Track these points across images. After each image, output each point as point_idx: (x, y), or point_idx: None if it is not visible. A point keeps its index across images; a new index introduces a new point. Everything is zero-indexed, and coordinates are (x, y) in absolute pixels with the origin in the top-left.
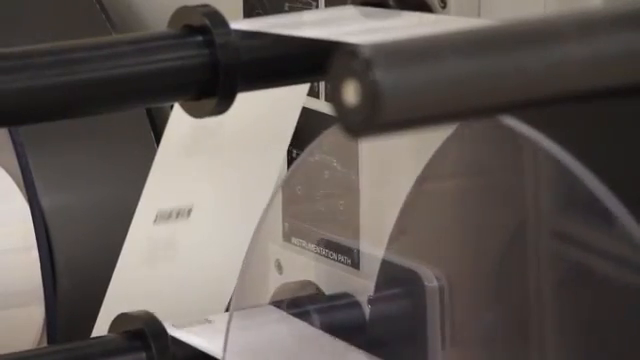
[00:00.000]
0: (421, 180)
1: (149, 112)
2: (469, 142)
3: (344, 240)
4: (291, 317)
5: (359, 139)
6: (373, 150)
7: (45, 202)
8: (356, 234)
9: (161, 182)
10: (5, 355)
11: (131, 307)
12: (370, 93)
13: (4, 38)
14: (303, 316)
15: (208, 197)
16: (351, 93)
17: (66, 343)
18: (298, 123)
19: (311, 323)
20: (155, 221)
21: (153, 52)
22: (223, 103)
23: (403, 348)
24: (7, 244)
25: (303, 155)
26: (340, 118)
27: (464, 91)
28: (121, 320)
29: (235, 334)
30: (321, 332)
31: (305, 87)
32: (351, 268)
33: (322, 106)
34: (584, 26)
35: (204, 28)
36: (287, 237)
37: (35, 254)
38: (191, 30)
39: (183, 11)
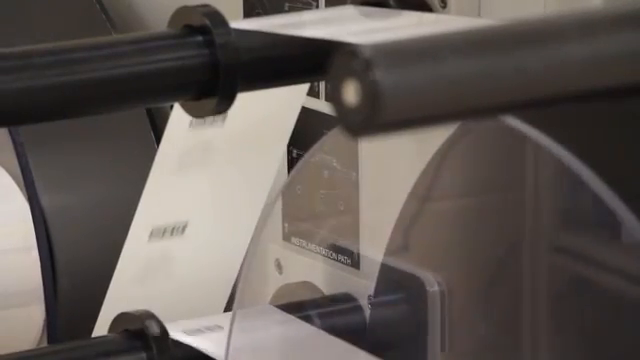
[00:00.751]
0: (421, 183)
1: (149, 112)
2: (469, 143)
3: (344, 240)
4: (291, 317)
5: (359, 139)
6: (373, 150)
7: (45, 202)
8: (356, 234)
9: (155, 199)
10: (5, 355)
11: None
12: (370, 93)
13: (4, 38)
14: (303, 316)
15: (204, 210)
16: (351, 93)
17: (66, 343)
18: (298, 123)
19: (311, 323)
20: (150, 237)
21: (153, 52)
22: (223, 103)
23: (403, 352)
24: (7, 244)
25: (305, 158)
26: (340, 118)
27: (464, 91)
28: (121, 320)
29: (235, 334)
30: (321, 332)
31: (305, 87)
32: (351, 268)
33: (322, 106)
34: (584, 26)
35: (204, 28)
36: (287, 237)
37: (35, 254)
38: (191, 30)
39: (183, 11)
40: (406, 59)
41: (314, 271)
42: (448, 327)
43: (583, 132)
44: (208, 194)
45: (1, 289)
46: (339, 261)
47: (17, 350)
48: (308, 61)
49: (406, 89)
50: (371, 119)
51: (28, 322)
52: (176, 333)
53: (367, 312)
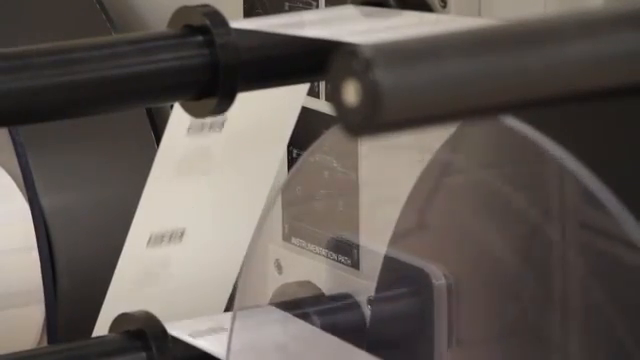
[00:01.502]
0: (425, 177)
1: (149, 112)
2: (470, 143)
3: (344, 240)
4: (291, 317)
5: (359, 139)
6: (373, 150)
7: (45, 202)
8: (356, 234)
9: (154, 205)
10: (5, 355)
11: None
12: (370, 93)
13: (4, 38)
14: (303, 316)
15: (204, 210)
16: (351, 93)
17: (66, 343)
18: (298, 123)
19: (311, 323)
20: (148, 243)
21: (153, 52)
22: (223, 103)
23: (409, 347)
24: (7, 244)
25: (304, 156)
26: (340, 118)
27: (464, 91)
28: (121, 320)
29: (235, 334)
30: (321, 332)
31: (305, 87)
32: (351, 268)
33: (322, 106)
34: (584, 26)
35: (204, 28)
36: (287, 237)
37: (35, 254)
38: (191, 30)
39: (183, 11)
40: (406, 59)
41: (314, 271)
42: (454, 322)
43: (583, 132)
44: (208, 195)
45: (1, 289)
46: (339, 261)
47: (17, 350)
48: (308, 61)
49: (406, 89)
50: (371, 119)
51: (28, 322)
52: (182, 335)
53: (367, 312)
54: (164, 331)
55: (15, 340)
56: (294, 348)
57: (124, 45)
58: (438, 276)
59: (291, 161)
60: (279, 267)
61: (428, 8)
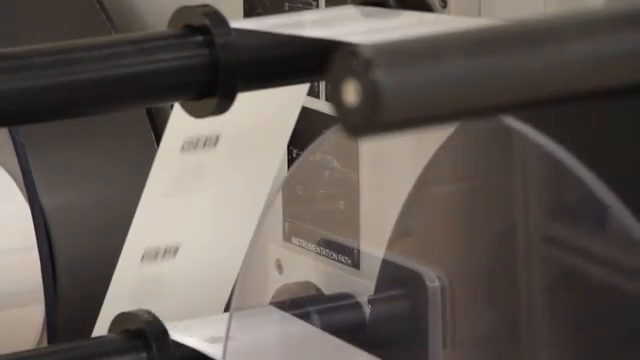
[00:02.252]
0: (422, 180)
1: (149, 112)
2: (470, 142)
3: (344, 240)
4: (291, 317)
5: (359, 139)
6: (373, 150)
7: (45, 202)
8: (356, 234)
9: (148, 221)
10: (5, 355)
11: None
12: (370, 93)
13: (4, 38)
14: (303, 316)
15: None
16: (351, 93)
17: (66, 343)
18: (298, 123)
19: (311, 323)
20: (142, 260)
21: (153, 52)
22: (223, 103)
23: (404, 348)
24: (7, 244)
25: (304, 155)
26: (340, 118)
27: (464, 91)
28: (121, 320)
29: (235, 334)
30: (322, 332)
31: (305, 87)
32: (351, 268)
33: (322, 106)
34: (584, 26)
35: (204, 28)
36: (287, 237)
37: (35, 254)
38: (191, 30)
39: (183, 11)
40: (406, 59)
41: (314, 271)
42: (449, 323)
43: (583, 132)
44: (205, 204)
45: (1, 289)
46: (339, 261)
47: (17, 350)
48: (308, 61)
49: (406, 89)
50: (371, 119)
51: (28, 322)
52: (181, 336)
53: (367, 312)
54: (164, 331)
55: (15, 340)
56: (294, 348)
57: (124, 45)
58: (432, 278)
59: (291, 161)
60: (279, 267)
61: (428, 8)
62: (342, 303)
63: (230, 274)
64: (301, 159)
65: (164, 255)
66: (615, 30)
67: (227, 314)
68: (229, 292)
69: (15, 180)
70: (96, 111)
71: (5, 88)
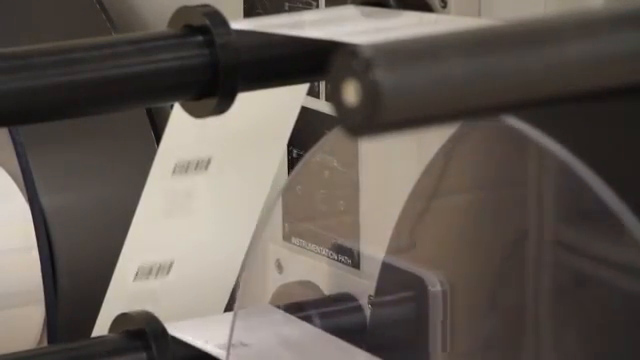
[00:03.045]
0: (422, 183)
1: (149, 112)
2: (471, 144)
3: (344, 240)
4: (291, 317)
5: (359, 139)
6: (373, 150)
7: (45, 202)
8: (356, 234)
9: (142, 240)
10: (5, 355)
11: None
12: (370, 93)
13: (5, 38)
14: (303, 316)
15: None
16: (351, 93)
17: (66, 343)
18: (298, 123)
19: (311, 323)
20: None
21: (153, 52)
22: (223, 103)
23: (404, 352)
24: (7, 244)
25: (306, 157)
26: (340, 118)
27: (464, 91)
28: (121, 320)
29: (235, 334)
30: (322, 332)
31: (305, 87)
32: (351, 268)
33: (322, 106)
34: (584, 26)
35: (204, 28)
36: (287, 237)
37: (35, 254)
38: (191, 30)
39: (183, 11)
40: (406, 59)
41: (314, 271)
42: (450, 327)
43: (583, 132)
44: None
45: (1, 289)
46: (339, 261)
47: (17, 350)
48: (308, 61)
49: (406, 89)
50: (371, 119)
51: (28, 322)
52: (182, 335)
53: (367, 312)
54: (164, 331)
55: (15, 340)
56: (294, 348)
57: (124, 45)
58: (434, 282)
59: (291, 161)
60: (279, 267)
61: (428, 8)
62: (342, 303)
63: (230, 275)
64: (302, 162)
65: (157, 274)
66: (615, 30)
67: (227, 314)
68: (229, 292)
69: (15, 180)
70: (96, 111)
71: (5, 88)
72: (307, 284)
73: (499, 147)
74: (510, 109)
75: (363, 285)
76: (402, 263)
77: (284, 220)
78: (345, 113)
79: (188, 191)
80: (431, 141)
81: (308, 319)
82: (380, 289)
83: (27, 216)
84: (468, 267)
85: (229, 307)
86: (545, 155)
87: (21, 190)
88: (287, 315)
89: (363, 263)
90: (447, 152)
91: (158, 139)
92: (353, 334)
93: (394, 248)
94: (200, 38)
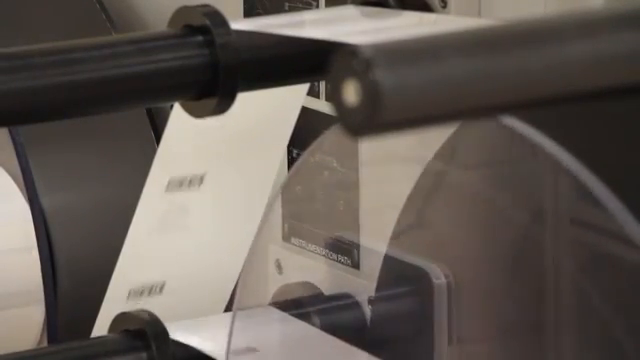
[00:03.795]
0: (426, 176)
1: (149, 112)
2: (470, 143)
3: (344, 240)
4: (291, 317)
5: (359, 139)
6: (373, 150)
7: (45, 202)
8: (356, 234)
9: (135, 258)
10: (5, 355)
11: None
12: (370, 93)
13: (4, 38)
14: (303, 316)
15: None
16: (351, 93)
17: (66, 343)
18: (298, 123)
19: (311, 323)
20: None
21: (153, 52)
22: (223, 103)
23: (409, 346)
24: (7, 244)
25: (304, 156)
26: (340, 118)
27: (464, 91)
28: (121, 320)
29: (235, 334)
30: (321, 332)
31: (305, 87)
32: (351, 268)
33: (322, 106)
34: (584, 26)
35: (204, 28)
36: (287, 237)
37: (35, 254)
38: (191, 30)
39: (183, 11)
40: (406, 59)
41: (314, 271)
42: (455, 320)
43: (583, 132)
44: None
45: (1, 289)
46: (339, 261)
47: (17, 350)
48: (308, 61)
49: (406, 89)
50: (371, 119)
51: (28, 322)
52: (182, 335)
53: (367, 312)
54: (164, 331)
55: (15, 340)
56: (294, 348)
57: (124, 45)
58: (438, 275)
59: (291, 161)
60: (279, 267)
61: (428, 8)
62: (342, 303)
63: (231, 276)
64: (301, 160)
65: (149, 293)
66: (615, 30)
67: (227, 314)
68: (230, 293)
69: (15, 180)
70: (96, 111)
71: (5, 88)
72: (307, 284)
73: (499, 147)
74: (510, 109)
75: (363, 285)
76: (405, 256)
77: (284, 220)
78: (345, 113)
79: (185, 201)
80: (431, 141)
81: (307, 319)
82: (382, 283)
83: (27, 216)
84: (468, 266)
85: (229, 308)
86: (544, 154)
87: (21, 190)
88: (286, 315)
89: (363, 263)
90: (447, 152)
91: (158, 139)
92: (353, 335)
93: (396, 241)
94: (200, 38)
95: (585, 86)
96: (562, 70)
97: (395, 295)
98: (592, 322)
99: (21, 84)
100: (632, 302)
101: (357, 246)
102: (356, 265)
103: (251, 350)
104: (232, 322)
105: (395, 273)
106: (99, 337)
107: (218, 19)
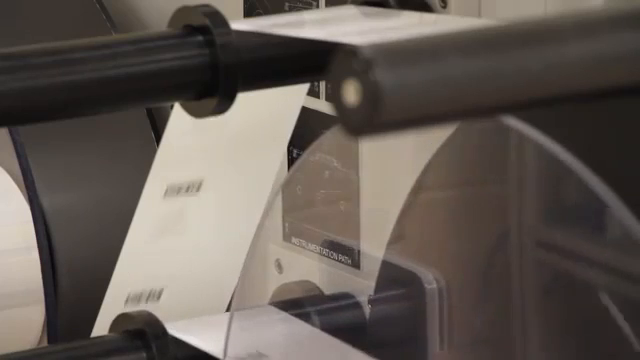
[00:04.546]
0: (421, 182)
1: (149, 112)
2: (468, 143)
3: (344, 240)
4: (291, 317)
5: (359, 139)
6: (373, 150)
7: (45, 202)
8: (356, 234)
9: (132, 265)
10: (5, 355)
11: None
12: (370, 93)
13: (4, 38)
14: (303, 316)
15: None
16: (351, 93)
17: (66, 343)
18: (298, 123)
19: (311, 323)
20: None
21: (153, 52)
22: (224, 103)
23: (402, 349)
24: (7, 244)
25: (304, 156)
26: (340, 118)
27: (464, 91)
28: (121, 320)
29: (235, 334)
30: (321, 332)
31: (305, 87)
32: (351, 268)
33: (322, 106)
34: (584, 26)
35: (204, 28)
36: (287, 237)
37: (35, 254)
38: (191, 30)
39: (183, 11)
40: (406, 59)
41: (314, 271)
42: (447, 324)
43: (583, 132)
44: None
45: (1, 289)
46: (339, 261)
47: (17, 350)
48: (308, 61)
49: (406, 89)
50: (371, 119)
51: (28, 322)
52: (182, 335)
53: (367, 312)
54: (164, 331)
55: (15, 340)
56: (294, 348)
57: (124, 45)
58: (430, 280)
59: (291, 161)
60: (279, 267)
61: (428, 8)
62: (342, 303)
63: (231, 278)
64: (301, 159)
65: (147, 299)
66: (615, 30)
67: (227, 314)
68: (230, 293)
69: (15, 180)
70: (96, 111)
71: (5, 88)
72: (307, 284)
73: (498, 147)
74: (510, 109)
75: (363, 285)
76: (400, 261)
77: (284, 220)
78: (345, 113)
79: (183, 207)
80: (431, 141)
81: (307, 318)
82: (379, 287)
83: (27, 216)
84: (468, 265)
85: (229, 307)
86: (543, 155)
87: (21, 190)
88: (286, 315)
89: (363, 263)
90: (446, 152)
91: (158, 139)
92: (353, 334)
93: (393, 246)
94: (200, 38)
95: (585, 86)
96: (562, 70)
97: (391, 298)
98: (583, 327)
99: (21, 84)
100: (628, 305)
101: (357, 246)
102: (356, 265)
103: (252, 356)
104: (230, 322)
105: (391, 277)
106: (99, 337)
107: (218, 19)
